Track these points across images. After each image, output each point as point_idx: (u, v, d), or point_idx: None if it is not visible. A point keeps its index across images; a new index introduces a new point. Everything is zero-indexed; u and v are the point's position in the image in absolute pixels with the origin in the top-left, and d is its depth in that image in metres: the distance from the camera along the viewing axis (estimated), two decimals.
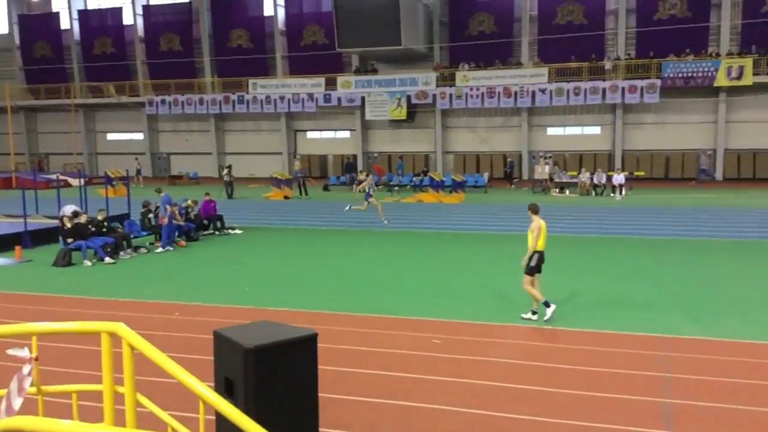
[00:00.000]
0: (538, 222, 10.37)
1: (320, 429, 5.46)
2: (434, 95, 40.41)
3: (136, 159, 44.20)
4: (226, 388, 5.05)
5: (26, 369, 3.97)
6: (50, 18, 52.01)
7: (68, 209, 18.51)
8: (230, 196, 31.90)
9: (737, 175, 37.35)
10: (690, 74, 36.16)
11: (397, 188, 34.82)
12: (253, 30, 47.24)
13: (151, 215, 19.28)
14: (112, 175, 32.36)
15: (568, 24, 40.15)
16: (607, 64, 38.34)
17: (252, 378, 4.85)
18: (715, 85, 35.93)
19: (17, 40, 52.69)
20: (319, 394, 5.56)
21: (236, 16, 47.49)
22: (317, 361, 5.34)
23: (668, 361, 8.54)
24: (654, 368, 8.31)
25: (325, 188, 37.07)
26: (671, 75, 36.40)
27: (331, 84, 42.93)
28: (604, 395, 7.47)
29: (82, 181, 24.19)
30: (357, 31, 40.07)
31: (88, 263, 15.93)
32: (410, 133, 44.23)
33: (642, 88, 36.70)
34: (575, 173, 34.54)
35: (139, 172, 41.56)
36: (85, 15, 51.53)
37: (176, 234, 18.73)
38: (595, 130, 40.88)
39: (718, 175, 37.95)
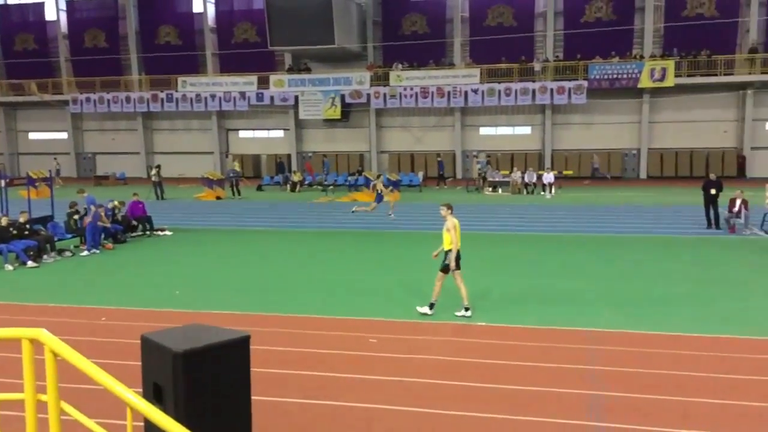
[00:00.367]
0: (453, 221, 10.57)
1: None
2: (368, 95, 40.50)
3: (55, 159, 42.62)
4: (154, 394, 4.91)
5: None
6: None
7: None
8: (160, 197, 31.13)
9: (660, 174, 38.84)
10: (615, 76, 37.37)
11: (331, 188, 34.73)
12: (182, 27, 46.26)
13: (76, 217, 18.59)
14: (35, 176, 31.08)
15: (498, 26, 40.90)
16: (537, 66, 39.24)
17: (182, 383, 4.73)
18: (639, 86, 37.25)
19: None
20: (253, 397, 5.48)
21: (164, 13, 46.40)
22: (249, 364, 5.25)
23: (596, 354, 8.79)
24: (582, 361, 8.53)
25: (259, 188, 36.63)
26: (597, 76, 37.53)
27: (263, 83, 42.44)
28: (535, 389, 7.62)
29: (3, 182, 23.11)
30: (289, 30, 39.76)
31: (10, 267, 15.25)
32: (345, 133, 44.18)
33: (570, 90, 37.72)
34: (507, 172, 35.23)
35: (58, 172, 40.07)
36: (5, 10, 49.47)
37: (102, 236, 18.13)
38: (526, 130, 41.79)
39: (642, 173, 39.36)
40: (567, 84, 37.81)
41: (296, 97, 41.69)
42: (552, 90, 37.95)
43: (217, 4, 45.65)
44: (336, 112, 41.41)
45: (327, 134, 44.66)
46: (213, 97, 42.82)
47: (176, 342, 4.90)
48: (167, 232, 20.64)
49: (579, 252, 16.96)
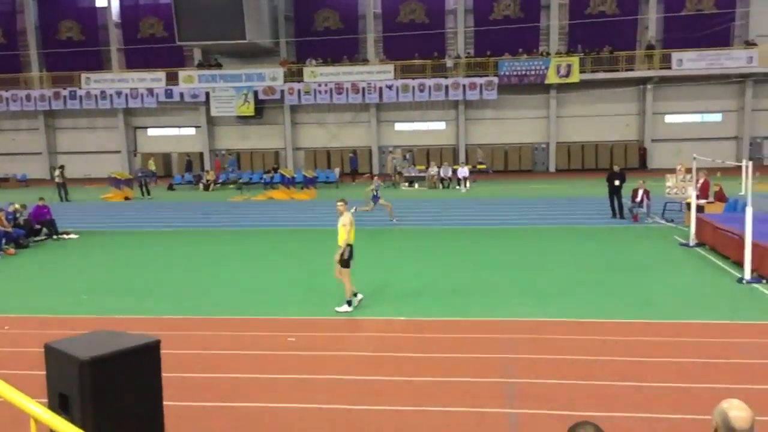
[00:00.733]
0: (349, 216, 10.68)
1: None
2: (282, 91, 40.05)
3: None
4: (60, 404, 4.67)
5: None
6: None
7: None
8: (64, 199, 29.77)
9: (568, 166, 40.24)
10: (524, 72, 38.43)
11: (245, 186, 34.15)
12: (85, 21, 44.33)
13: None
14: None
15: (410, 22, 41.29)
16: (449, 62, 39.84)
17: (89, 391, 4.51)
18: (547, 82, 38.45)
19: None
20: (168, 403, 5.29)
21: (65, 7, 44.32)
22: (161, 370, 5.07)
23: (510, 343, 9.00)
24: (497, 351, 8.72)
25: (170, 188, 35.60)
26: (507, 73, 38.48)
27: (172, 79, 41.23)
28: (452, 380, 7.72)
29: None
30: (198, 24, 38.79)
31: None
32: (259, 130, 43.54)
33: (481, 85, 38.51)
34: (423, 167, 35.65)
35: None
36: None
37: (3, 241, 17.18)
38: (440, 125, 42.40)
39: (551, 166, 40.67)
40: (478, 80, 38.58)
41: (207, 94, 40.74)
42: (464, 86, 38.63)
43: None
44: (249, 109, 40.73)
45: (241, 131, 43.88)
46: (119, 94, 41.27)
47: (82, 350, 4.67)
48: (73, 236, 19.75)
49: (493, 244, 17.35)
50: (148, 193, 31.47)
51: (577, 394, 7.24)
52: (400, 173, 34.49)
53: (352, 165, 38.27)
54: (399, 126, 42.64)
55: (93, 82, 41.84)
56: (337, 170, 36.75)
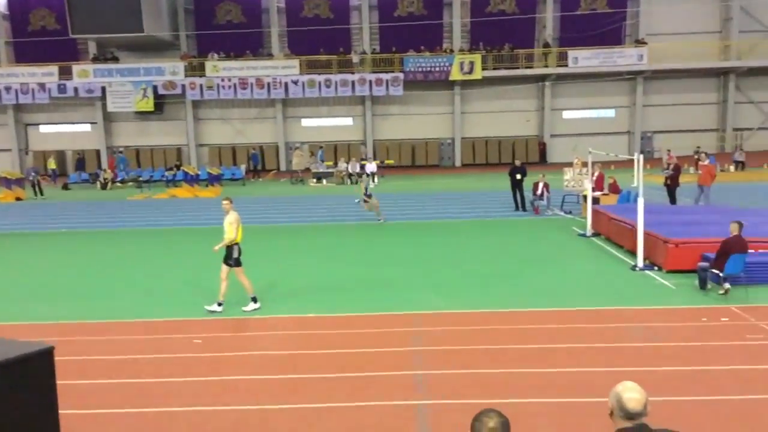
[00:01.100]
0: (235, 215, 10.58)
1: None
2: (183, 86, 38.83)
3: None
4: None
5: None
6: None
7: None
8: None
9: (473, 161, 41.14)
10: (429, 69, 38.96)
11: (146, 184, 32.97)
12: None
13: None
14: None
15: (315, 17, 41.01)
16: (355, 58, 39.86)
17: None
18: (451, 78, 39.13)
19: None
20: (66, 411, 5.01)
21: None
22: (55, 377, 4.79)
23: (420, 336, 9.09)
24: (407, 344, 8.79)
25: (65, 187, 33.92)
26: (412, 69, 38.90)
27: (66, 73, 39.14)
28: (364, 374, 7.72)
29: None
30: (93, 17, 37.04)
31: None
32: (160, 126, 42.09)
33: (387, 81, 38.74)
34: (331, 163, 35.53)
35: None
36: None
37: None
38: (348, 121, 42.36)
39: (457, 161, 41.47)
40: (384, 76, 38.80)
41: (103, 89, 38.96)
42: (371, 82, 38.75)
43: None
44: (149, 104, 39.27)
45: (140, 127, 42.28)
46: (8, 89, 38.85)
47: None
48: None
49: (401, 238, 17.50)
50: (41, 193, 29.84)
51: (484, 383, 7.39)
52: (308, 169, 34.31)
53: (254, 162, 37.51)
54: (306, 122, 42.31)
55: None
56: (243, 167, 36.05)
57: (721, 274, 10.71)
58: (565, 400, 6.90)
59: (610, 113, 41.42)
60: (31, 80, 39.00)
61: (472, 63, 38.50)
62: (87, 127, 42.38)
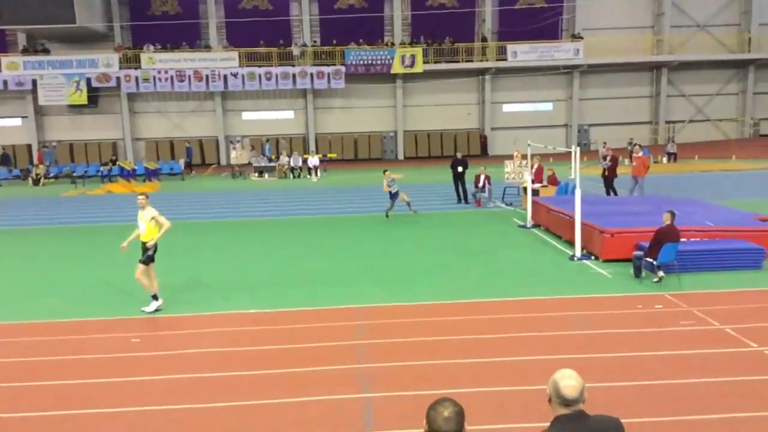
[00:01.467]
0: (153, 210, 10.40)
1: None
2: (118, 78, 37.72)
3: None
4: None
5: None
6: None
7: None
8: None
9: (416, 154, 41.34)
10: (370, 62, 38.90)
11: (80, 179, 31.95)
12: None
13: None
14: None
15: (254, 9, 40.44)
16: (295, 50, 39.48)
17: None
18: (392, 72, 39.17)
19: None
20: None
21: None
22: None
23: (362, 330, 9.06)
24: (349, 337, 8.75)
25: None
26: (354, 62, 38.77)
27: None
28: (306, 370, 7.64)
29: None
30: (22, 7, 35.56)
31: None
32: (94, 119, 40.82)
33: (329, 74, 38.52)
34: (273, 157, 35.12)
35: None
36: None
37: None
38: (289, 114, 41.96)
39: (400, 154, 41.60)
40: (326, 69, 38.57)
41: (34, 81, 37.55)
42: (312, 74, 38.46)
43: None
44: (82, 97, 38.00)
45: (73, 121, 40.92)
46: None
47: None
48: None
49: (344, 232, 17.44)
50: None
51: (427, 374, 7.42)
52: (249, 163, 33.89)
53: (188, 156, 36.66)
54: (246, 115, 41.72)
55: None
56: (182, 161, 35.29)
57: (654, 263, 11.03)
58: (506, 388, 6.99)
59: (548, 107, 42.23)
60: None
61: (413, 56, 38.62)
62: (17, 121, 40.77)
